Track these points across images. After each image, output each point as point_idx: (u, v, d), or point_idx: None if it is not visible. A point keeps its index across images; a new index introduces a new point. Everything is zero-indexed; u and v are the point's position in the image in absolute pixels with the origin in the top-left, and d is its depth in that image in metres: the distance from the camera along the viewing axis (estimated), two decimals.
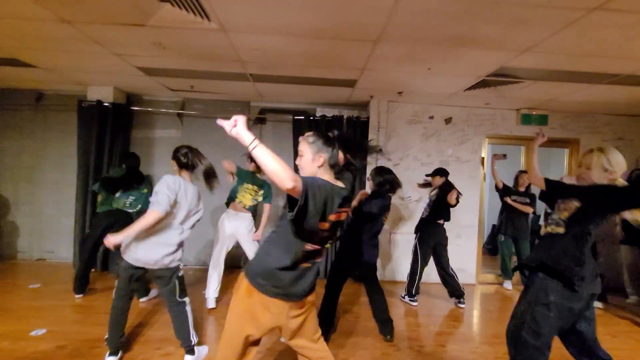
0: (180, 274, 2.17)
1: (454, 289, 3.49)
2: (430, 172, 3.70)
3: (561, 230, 1.61)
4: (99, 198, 3.43)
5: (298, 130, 4.33)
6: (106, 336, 2.12)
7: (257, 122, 4.58)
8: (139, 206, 3.30)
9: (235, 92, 4.20)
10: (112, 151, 4.19)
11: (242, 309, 1.38)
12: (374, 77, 3.32)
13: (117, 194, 3.26)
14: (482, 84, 3.36)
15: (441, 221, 3.51)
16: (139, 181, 3.39)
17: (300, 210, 1.19)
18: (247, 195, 3.15)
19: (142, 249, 2.02)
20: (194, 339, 2.15)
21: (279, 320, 1.38)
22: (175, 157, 2.19)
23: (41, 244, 4.51)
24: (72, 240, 4.19)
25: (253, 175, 3.21)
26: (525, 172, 4.19)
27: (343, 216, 1.43)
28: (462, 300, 3.50)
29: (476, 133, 4.34)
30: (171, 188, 2.02)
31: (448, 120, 4.32)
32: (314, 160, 1.38)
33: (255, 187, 3.19)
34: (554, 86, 3.37)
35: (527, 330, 1.58)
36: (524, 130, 4.34)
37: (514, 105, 4.23)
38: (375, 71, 3.16)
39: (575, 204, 1.60)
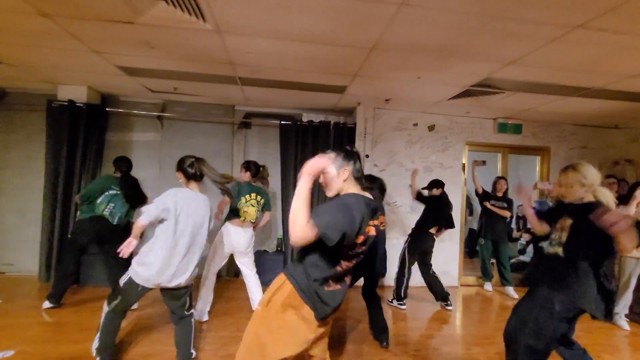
0: (190, 289, 2.10)
1: (439, 292, 3.59)
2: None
3: (560, 251, 1.70)
4: (78, 202, 3.15)
5: (285, 135, 4.29)
6: (96, 346, 2.00)
7: (242, 126, 4.48)
8: (119, 214, 3.05)
9: (220, 95, 4.09)
10: (86, 155, 3.92)
11: (281, 323, 1.32)
12: (365, 83, 3.36)
13: (99, 199, 2.99)
14: (466, 93, 3.51)
15: (433, 230, 3.60)
16: (129, 188, 3.14)
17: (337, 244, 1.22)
18: (251, 208, 2.99)
19: (160, 269, 1.91)
20: (193, 352, 2.05)
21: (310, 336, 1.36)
22: (181, 168, 2.09)
23: (1, 255, 4.10)
24: (38, 250, 3.85)
25: (250, 184, 3.07)
26: (503, 178, 4.41)
27: (372, 231, 1.39)
28: (449, 302, 3.60)
29: (457, 140, 4.52)
30: (167, 201, 1.94)
31: (431, 128, 4.46)
32: (339, 175, 1.37)
33: (258, 196, 3.04)
34: (530, 97, 3.58)
35: (529, 332, 1.64)
36: (500, 138, 4.57)
37: (492, 115, 4.44)
38: (366, 78, 3.20)
39: (569, 221, 1.71)
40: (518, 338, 1.73)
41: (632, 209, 3.21)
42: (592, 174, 1.78)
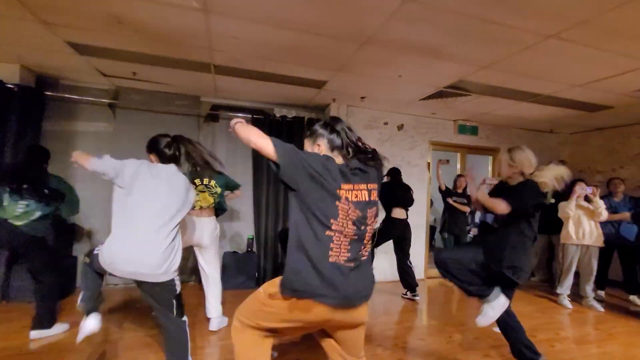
0: (176, 289, 1.81)
1: (408, 283, 3.75)
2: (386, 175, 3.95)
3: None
4: None
5: None
6: (80, 298, 1.81)
7: (208, 119, 4.17)
8: (32, 217, 2.39)
9: (186, 84, 3.75)
10: (17, 147, 3.29)
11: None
12: (346, 79, 3.35)
13: (5, 202, 2.34)
14: (438, 94, 3.70)
15: (396, 214, 3.74)
16: (35, 182, 2.45)
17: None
18: (203, 195, 2.71)
19: (120, 249, 1.67)
20: None
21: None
22: (156, 150, 1.83)
23: None
24: None
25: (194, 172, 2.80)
26: (462, 175, 4.75)
27: (361, 195, 1.24)
28: (416, 293, 3.76)
29: (423, 140, 4.76)
30: (124, 162, 1.75)
31: (400, 127, 4.62)
32: (312, 150, 1.35)
33: (205, 180, 2.73)
34: (490, 101, 3.90)
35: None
36: (459, 139, 4.93)
37: (453, 116, 4.76)
38: (348, 73, 3.19)
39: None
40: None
41: (572, 204, 3.69)
42: (520, 157, 2.06)
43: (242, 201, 4.25)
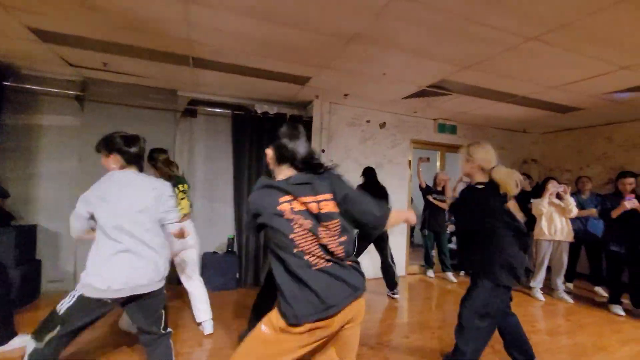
0: (165, 300, 1.72)
1: (389, 280, 3.78)
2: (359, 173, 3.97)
3: None
4: None
5: (238, 127, 3.97)
6: None
7: (186, 114, 3.99)
8: None
9: (162, 77, 3.56)
10: None
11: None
12: (330, 76, 3.30)
13: None
14: (420, 93, 3.73)
15: None
16: None
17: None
18: (184, 202, 2.62)
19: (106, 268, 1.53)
20: None
21: None
22: (117, 150, 1.68)
23: None
24: None
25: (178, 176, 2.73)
26: (442, 173, 4.84)
27: (310, 207, 1.25)
28: (395, 291, 3.80)
29: (404, 138, 4.80)
30: (86, 195, 1.63)
31: (382, 125, 4.64)
32: (270, 160, 1.39)
33: (185, 187, 2.68)
34: (469, 101, 3.98)
35: None
36: (439, 137, 5.01)
37: (433, 115, 4.84)
38: (334, 70, 3.14)
39: None
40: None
41: (545, 201, 3.85)
42: (479, 153, 2.01)
43: (222, 200, 4.12)
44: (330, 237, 1.26)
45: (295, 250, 1.21)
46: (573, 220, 3.93)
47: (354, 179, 4.21)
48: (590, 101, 3.77)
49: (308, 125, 4.21)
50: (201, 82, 3.65)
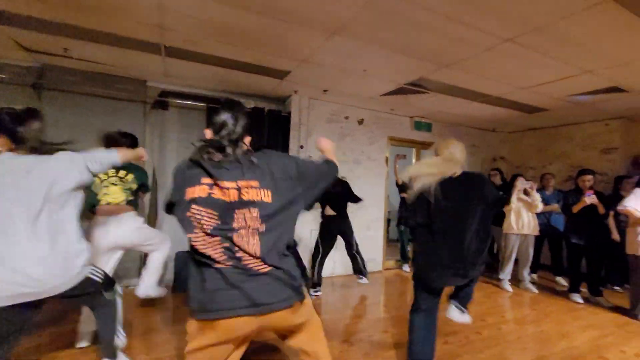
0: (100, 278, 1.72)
1: (357, 267, 3.81)
2: (344, 170, 3.93)
3: None
4: None
5: None
6: None
7: (157, 106, 3.78)
8: None
9: (130, 66, 3.33)
10: None
11: None
12: (310, 70, 3.24)
13: None
14: (399, 91, 3.77)
15: (328, 212, 3.64)
16: None
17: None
18: (113, 188, 2.31)
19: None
20: (120, 335, 1.83)
21: None
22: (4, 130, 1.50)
23: None
24: None
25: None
26: None
27: (231, 193, 1.14)
28: (361, 277, 3.83)
29: (381, 135, 4.85)
30: None
31: (360, 122, 4.65)
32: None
33: (121, 173, 2.36)
34: (445, 99, 4.08)
35: None
36: (415, 135, 5.12)
37: (410, 113, 4.92)
38: (314, 65, 3.08)
39: None
40: None
41: (514, 197, 4.02)
42: (441, 147, 2.00)
43: None
44: (246, 229, 1.14)
45: (197, 248, 1.15)
46: (537, 215, 4.16)
47: None
48: (554, 103, 3.99)
49: (287, 120, 4.13)
50: (173, 73, 3.46)
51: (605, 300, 3.64)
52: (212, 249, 1.13)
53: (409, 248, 4.98)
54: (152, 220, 3.71)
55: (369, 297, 3.75)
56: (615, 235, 3.83)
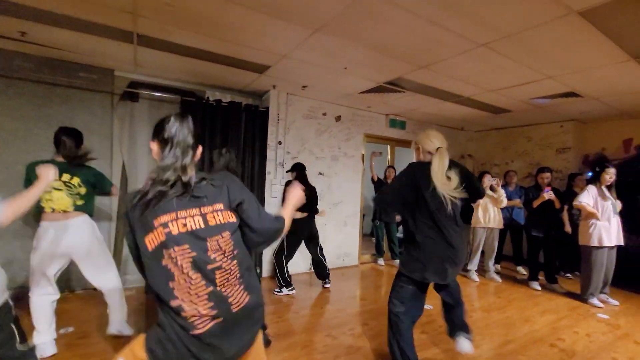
0: (12, 312, 1.39)
1: (321, 273, 3.80)
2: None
3: None
4: None
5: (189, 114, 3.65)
6: None
7: (125, 97, 3.56)
8: None
9: (96, 54, 3.10)
10: None
11: None
12: (290, 66, 3.21)
13: None
14: (377, 89, 3.84)
15: (296, 215, 3.33)
16: None
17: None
18: (57, 194, 2.12)
19: None
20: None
21: None
22: None
23: None
24: None
25: (56, 161, 2.15)
26: (391, 166, 5.09)
27: (193, 222, 1.02)
28: (327, 280, 3.82)
29: (358, 132, 4.92)
30: None
31: (338, 118, 4.69)
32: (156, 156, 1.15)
33: (66, 177, 2.16)
34: (420, 99, 4.22)
35: None
36: (390, 132, 5.25)
37: (385, 111, 5.03)
38: (295, 60, 3.06)
39: None
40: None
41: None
42: (420, 137, 2.09)
43: None
44: (221, 255, 1.03)
45: (172, 304, 0.98)
46: (501, 209, 4.45)
47: (310, 170, 4.21)
48: (517, 104, 4.27)
49: (264, 115, 4.06)
50: (145, 63, 3.27)
51: (560, 287, 3.99)
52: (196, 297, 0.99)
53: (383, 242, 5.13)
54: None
55: (346, 291, 3.83)
56: (568, 228, 4.20)
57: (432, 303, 3.20)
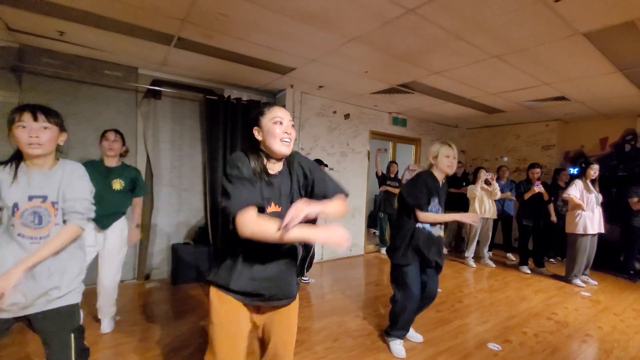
0: (79, 323, 1.41)
1: (308, 266, 4.05)
2: (326, 162, 4.19)
3: None
4: None
5: (211, 113, 3.79)
6: None
7: (149, 95, 3.63)
8: None
9: (123, 52, 3.16)
10: None
11: None
12: (314, 68, 3.40)
13: None
14: (389, 90, 4.11)
15: None
16: None
17: None
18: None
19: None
20: None
21: None
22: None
23: None
24: None
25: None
26: (394, 162, 5.41)
27: None
28: (307, 278, 3.98)
29: (364, 129, 5.19)
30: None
31: (347, 116, 4.93)
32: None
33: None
34: (424, 99, 4.53)
35: None
36: (392, 129, 5.55)
37: (389, 109, 5.32)
38: (320, 64, 3.26)
39: None
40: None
41: (478, 186, 4.69)
42: (431, 150, 2.31)
43: (190, 189, 3.94)
44: None
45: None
46: (495, 201, 4.89)
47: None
48: (512, 106, 4.67)
49: None
50: (172, 63, 3.37)
51: (546, 270, 4.48)
52: None
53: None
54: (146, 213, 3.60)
55: (358, 278, 4.13)
56: (554, 218, 4.68)
57: (441, 286, 3.55)
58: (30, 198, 1.26)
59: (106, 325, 2.48)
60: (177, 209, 3.89)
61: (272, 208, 1.22)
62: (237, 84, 4.11)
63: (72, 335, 1.33)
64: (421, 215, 2.17)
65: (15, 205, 1.24)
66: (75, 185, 1.35)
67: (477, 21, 2.26)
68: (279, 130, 1.22)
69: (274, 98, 4.47)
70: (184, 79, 3.84)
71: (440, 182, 2.27)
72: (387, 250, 2.43)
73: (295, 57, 3.08)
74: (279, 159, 1.28)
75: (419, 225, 2.22)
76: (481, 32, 2.42)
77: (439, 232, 2.28)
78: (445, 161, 2.22)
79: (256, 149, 1.26)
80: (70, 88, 3.25)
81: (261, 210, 1.17)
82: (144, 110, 3.64)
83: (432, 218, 2.20)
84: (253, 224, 1.08)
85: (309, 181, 1.31)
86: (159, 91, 3.68)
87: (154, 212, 3.70)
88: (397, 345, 2.35)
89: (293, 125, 1.29)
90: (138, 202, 2.66)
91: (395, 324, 2.39)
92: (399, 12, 2.18)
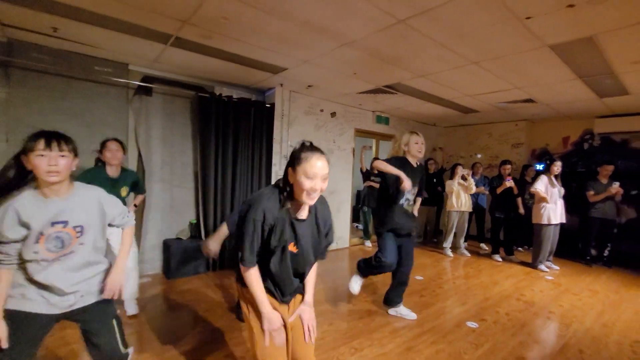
0: (116, 311, 1.52)
1: None
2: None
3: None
4: None
5: (203, 110, 3.84)
6: None
7: (140, 92, 3.64)
8: None
9: (114, 49, 3.15)
10: None
11: None
12: (305, 69, 3.55)
13: None
14: (375, 90, 4.32)
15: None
16: None
17: None
18: None
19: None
20: None
21: None
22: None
23: None
24: None
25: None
26: (377, 158, 5.66)
27: None
28: None
29: (349, 127, 5.39)
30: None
31: (333, 114, 5.11)
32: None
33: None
34: (407, 99, 4.79)
35: None
36: (376, 127, 5.79)
37: (372, 108, 5.55)
38: (312, 65, 3.41)
39: None
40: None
41: (455, 182, 5.04)
42: (404, 139, 2.76)
43: (181, 185, 3.99)
44: None
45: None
46: (470, 195, 5.26)
47: None
48: (485, 107, 5.03)
49: (270, 111, 4.35)
50: (165, 60, 3.40)
51: (516, 258, 4.91)
52: None
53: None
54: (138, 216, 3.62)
55: (345, 269, 4.36)
56: (522, 210, 5.11)
57: (423, 274, 3.84)
58: (53, 224, 1.28)
59: (132, 309, 2.74)
60: (169, 205, 3.93)
61: (291, 248, 1.32)
62: (227, 82, 4.17)
63: (115, 321, 1.44)
64: (379, 163, 2.66)
65: (40, 233, 1.26)
66: (110, 207, 1.46)
67: (460, 32, 2.50)
68: (309, 186, 1.22)
69: (263, 96, 4.56)
70: (174, 75, 3.86)
71: (415, 164, 2.72)
72: (374, 226, 2.84)
73: (289, 58, 3.21)
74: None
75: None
76: (463, 42, 2.66)
77: (409, 207, 2.76)
78: (416, 147, 2.68)
79: (288, 190, 1.29)
80: (60, 84, 3.21)
81: (282, 249, 1.31)
82: (136, 106, 3.64)
83: (384, 166, 2.62)
84: (252, 282, 1.31)
85: (321, 233, 1.44)
86: (150, 88, 3.69)
87: (146, 208, 3.72)
88: (357, 281, 2.89)
89: (326, 179, 1.26)
90: (140, 197, 2.92)
91: (365, 268, 2.86)
92: (391, 22, 2.37)
